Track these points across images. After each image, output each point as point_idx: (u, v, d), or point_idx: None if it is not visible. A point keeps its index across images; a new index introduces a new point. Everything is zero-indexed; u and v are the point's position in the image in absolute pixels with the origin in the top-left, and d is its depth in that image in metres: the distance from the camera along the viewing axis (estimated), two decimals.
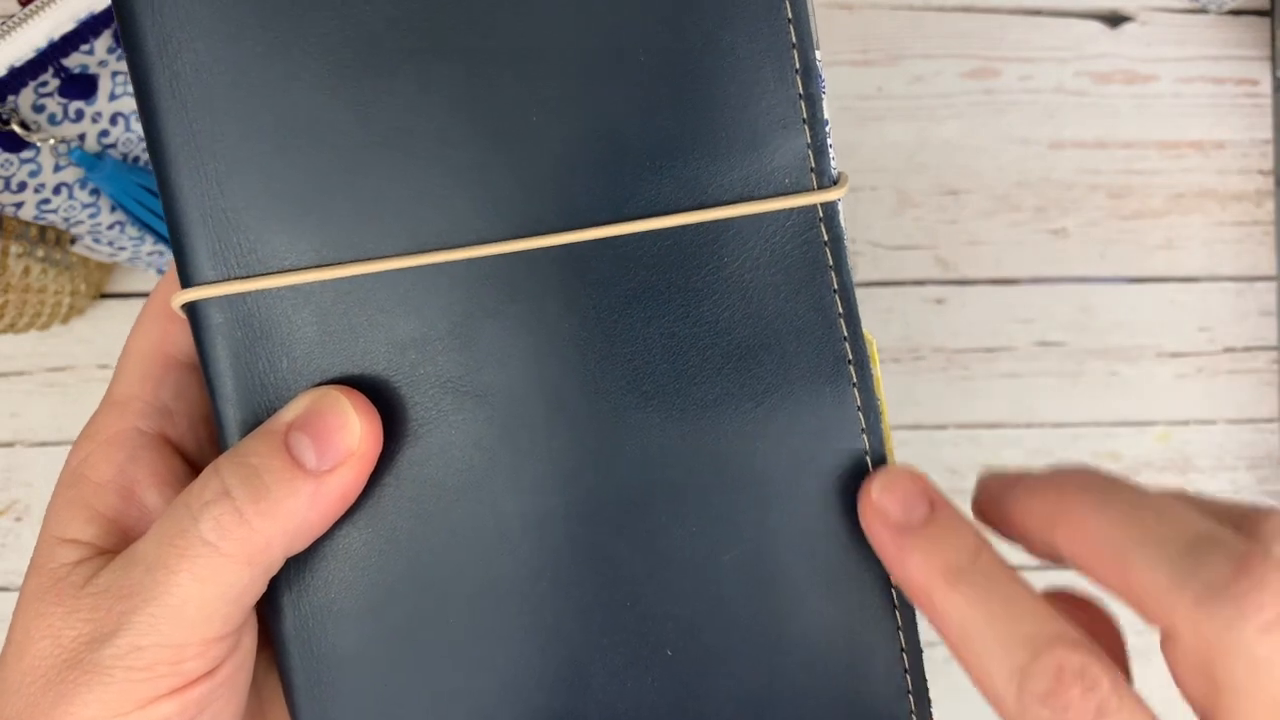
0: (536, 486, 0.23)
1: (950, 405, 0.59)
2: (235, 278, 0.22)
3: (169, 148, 0.22)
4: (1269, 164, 0.61)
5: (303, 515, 0.21)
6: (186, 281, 0.22)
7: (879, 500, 0.22)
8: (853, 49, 0.60)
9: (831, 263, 0.23)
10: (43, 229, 0.47)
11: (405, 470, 0.23)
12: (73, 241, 0.49)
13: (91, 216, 0.48)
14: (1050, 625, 0.19)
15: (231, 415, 0.22)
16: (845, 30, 0.61)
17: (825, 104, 0.23)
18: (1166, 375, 0.60)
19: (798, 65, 0.22)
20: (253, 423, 0.22)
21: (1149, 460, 0.60)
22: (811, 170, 0.23)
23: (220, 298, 0.22)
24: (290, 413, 0.22)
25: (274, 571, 0.22)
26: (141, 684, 0.20)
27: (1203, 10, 0.61)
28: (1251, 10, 0.62)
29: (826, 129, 0.23)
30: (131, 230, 0.49)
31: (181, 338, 0.24)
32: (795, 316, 0.23)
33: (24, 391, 0.57)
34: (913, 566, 0.21)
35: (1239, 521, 0.20)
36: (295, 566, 0.23)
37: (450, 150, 0.22)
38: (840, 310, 0.23)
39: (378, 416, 0.22)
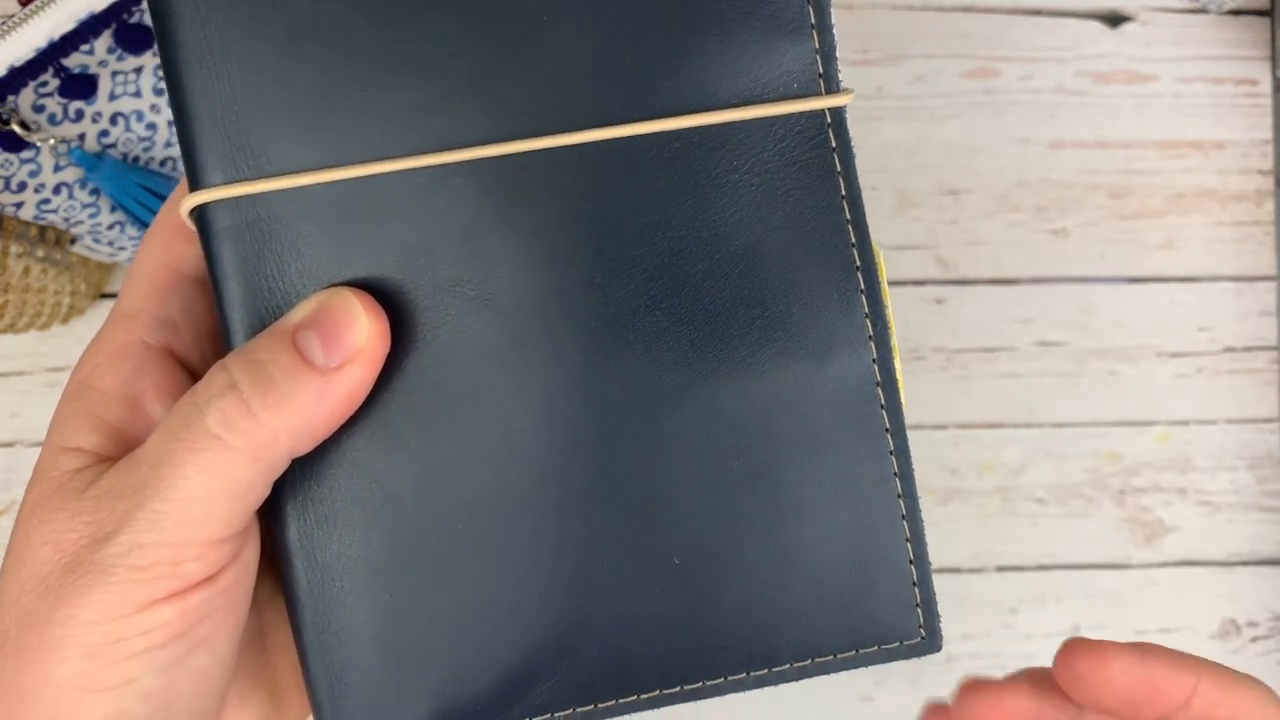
0: (544, 392, 0.23)
1: (950, 405, 0.59)
2: (244, 179, 0.22)
3: (180, 48, 0.22)
4: (1269, 164, 0.61)
5: (310, 411, 0.21)
6: (195, 185, 0.22)
7: None
8: (853, 49, 0.60)
9: (840, 169, 0.23)
10: (43, 229, 0.47)
11: (413, 376, 0.22)
12: (73, 241, 0.49)
13: (91, 216, 0.48)
14: None
15: (238, 319, 0.22)
16: (845, 30, 0.61)
17: (833, 13, 0.23)
18: (1166, 375, 0.60)
19: None
20: (259, 327, 0.22)
21: (1149, 460, 0.60)
22: (820, 76, 0.23)
23: (229, 200, 0.22)
24: (299, 313, 0.22)
25: (278, 472, 0.22)
26: (142, 584, 0.20)
27: (1203, 10, 0.61)
28: (1251, 10, 0.62)
29: (834, 37, 0.23)
30: (131, 230, 0.49)
31: (188, 254, 0.24)
32: (803, 221, 0.23)
33: (24, 391, 0.57)
34: None
35: None
36: (301, 474, 0.22)
37: (461, 52, 0.22)
38: (849, 217, 0.23)
39: (385, 316, 0.22)
